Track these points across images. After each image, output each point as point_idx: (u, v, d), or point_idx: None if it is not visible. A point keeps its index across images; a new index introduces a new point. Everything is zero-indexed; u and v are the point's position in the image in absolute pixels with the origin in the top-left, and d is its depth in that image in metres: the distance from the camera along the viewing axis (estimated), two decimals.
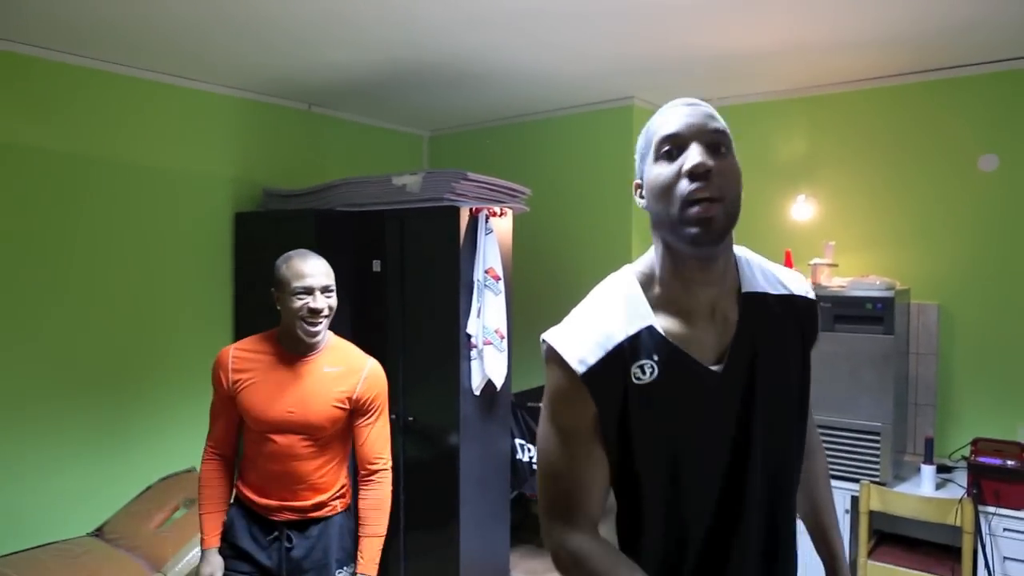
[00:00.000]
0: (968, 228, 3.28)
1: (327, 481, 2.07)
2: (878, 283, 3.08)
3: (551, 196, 4.04)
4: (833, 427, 3.09)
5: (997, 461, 2.82)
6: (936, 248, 3.35)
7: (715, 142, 1.07)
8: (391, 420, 3.29)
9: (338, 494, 2.11)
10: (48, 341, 3.09)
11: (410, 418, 3.31)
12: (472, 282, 3.18)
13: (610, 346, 1.11)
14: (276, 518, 2.04)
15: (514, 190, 3.37)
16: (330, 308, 2.00)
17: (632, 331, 1.11)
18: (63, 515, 3.11)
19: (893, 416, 3.01)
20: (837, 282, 3.25)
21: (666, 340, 1.10)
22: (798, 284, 1.23)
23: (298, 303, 1.94)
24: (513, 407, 3.53)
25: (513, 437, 3.57)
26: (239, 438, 2.11)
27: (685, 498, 1.12)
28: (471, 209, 3.19)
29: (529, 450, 3.57)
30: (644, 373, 1.10)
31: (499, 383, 3.22)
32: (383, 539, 2.08)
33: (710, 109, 1.13)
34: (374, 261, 3.43)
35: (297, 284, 1.94)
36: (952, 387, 3.33)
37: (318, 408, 1.99)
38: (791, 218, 3.62)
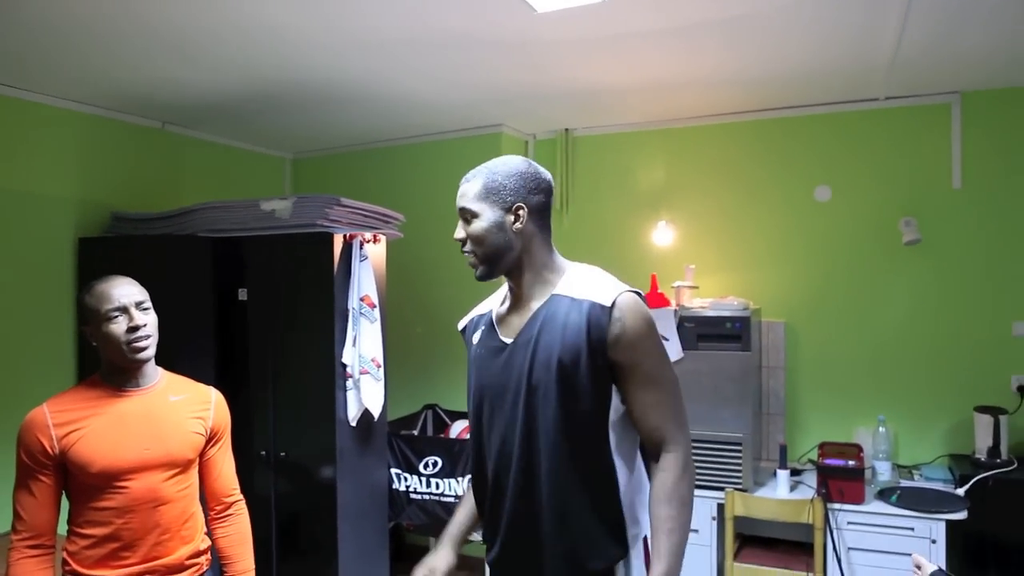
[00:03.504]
0: (807, 252, 3.63)
1: (192, 528, 1.89)
2: (735, 303, 3.32)
3: (420, 222, 4.01)
4: (699, 440, 3.27)
5: (840, 462, 3.09)
6: (781, 270, 3.67)
7: (464, 217, 1.56)
8: (259, 456, 3.17)
9: (204, 548, 1.94)
10: None
11: (282, 453, 3.15)
12: (347, 310, 3.09)
13: (472, 316, 1.73)
14: None
15: (388, 216, 3.33)
16: (151, 324, 1.83)
17: (485, 311, 1.69)
18: None
19: (751, 427, 3.24)
20: (698, 303, 3.45)
21: (491, 320, 1.65)
22: (601, 294, 1.50)
23: (115, 327, 1.77)
24: (389, 436, 3.46)
25: (389, 467, 3.49)
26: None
27: (484, 439, 1.61)
28: (345, 236, 3.11)
29: (405, 479, 3.50)
30: (476, 338, 1.67)
31: (376, 413, 3.14)
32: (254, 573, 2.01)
33: (465, 186, 1.57)
34: (240, 290, 3.25)
35: (108, 307, 1.77)
36: (798, 397, 3.64)
37: (178, 438, 1.84)
38: (654, 243, 3.83)
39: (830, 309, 3.58)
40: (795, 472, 3.37)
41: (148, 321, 1.82)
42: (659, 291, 3.50)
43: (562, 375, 1.47)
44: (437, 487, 3.42)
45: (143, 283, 1.89)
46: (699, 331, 3.32)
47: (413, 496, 3.48)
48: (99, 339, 1.80)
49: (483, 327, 1.65)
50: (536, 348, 1.50)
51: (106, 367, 1.84)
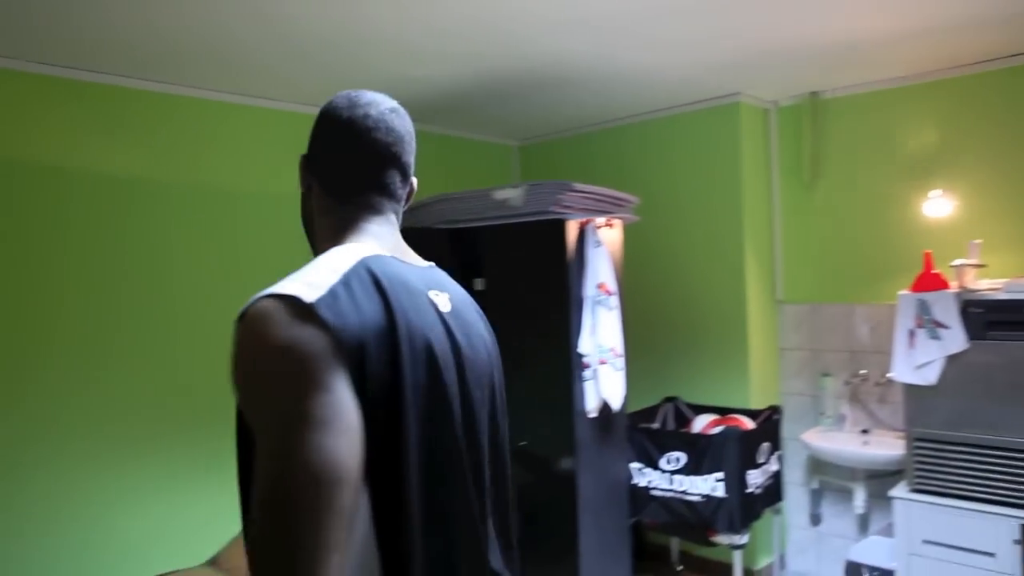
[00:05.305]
0: None
1: None
2: None
3: (656, 203, 3.81)
4: (991, 446, 2.80)
5: None
6: None
7: None
8: None
9: None
10: (161, 369, 3.05)
11: (522, 443, 3.15)
12: (583, 299, 3.00)
13: None
14: None
15: (621, 199, 3.18)
16: None
17: None
18: (173, 546, 3.04)
19: None
20: (987, 284, 2.94)
21: None
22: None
23: None
24: (628, 430, 3.33)
25: (629, 462, 3.37)
26: None
27: None
28: (579, 222, 3.01)
29: (646, 475, 3.35)
30: None
31: (616, 405, 3.03)
32: None
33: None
34: (476, 280, 3.29)
35: None
36: None
37: None
38: (926, 216, 3.33)
39: None
40: None
41: None
42: (934, 271, 3.02)
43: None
44: (680, 484, 3.24)
45: None
46: (989, 318, 2.83)
47: (654, 493, 3.33)
48: None
49: None
50: None
51: None
